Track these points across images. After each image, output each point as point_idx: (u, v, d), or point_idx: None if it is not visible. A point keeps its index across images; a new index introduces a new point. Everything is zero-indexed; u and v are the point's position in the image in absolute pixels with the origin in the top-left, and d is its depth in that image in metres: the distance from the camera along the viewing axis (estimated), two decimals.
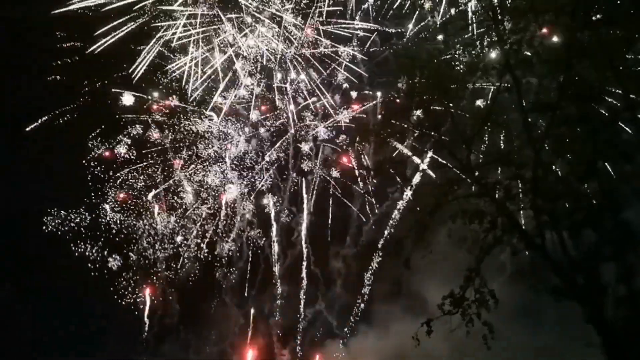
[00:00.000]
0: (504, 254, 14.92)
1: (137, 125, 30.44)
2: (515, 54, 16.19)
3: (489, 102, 17.89)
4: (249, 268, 30.92)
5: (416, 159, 19.64)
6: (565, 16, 15.09)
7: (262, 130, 30.82)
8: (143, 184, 30.15)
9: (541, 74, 16.56)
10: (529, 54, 16.31)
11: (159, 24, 28.86)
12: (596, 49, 15.36)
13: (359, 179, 23.60)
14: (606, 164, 15.45)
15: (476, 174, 16.40)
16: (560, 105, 15.82)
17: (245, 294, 31.26)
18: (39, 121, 29.07)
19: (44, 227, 28.85)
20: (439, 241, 16.26)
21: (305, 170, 30.24)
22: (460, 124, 17.71)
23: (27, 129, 29.04)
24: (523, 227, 14.41)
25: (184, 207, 30.48)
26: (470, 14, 18.72)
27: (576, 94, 15.85)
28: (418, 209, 16.18)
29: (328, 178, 28.69)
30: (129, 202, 29.86)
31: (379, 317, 28.41)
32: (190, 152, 30.76)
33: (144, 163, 30.20)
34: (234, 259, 31.13)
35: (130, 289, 29.79)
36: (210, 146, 30.84)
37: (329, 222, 29.14)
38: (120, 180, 29.89)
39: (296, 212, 30.51)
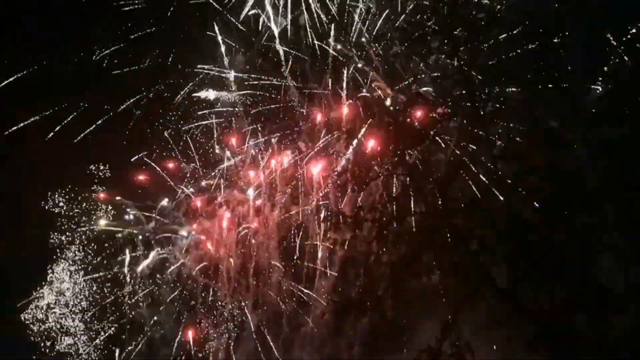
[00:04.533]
0: (480, 305, 15.03)
1: None
2: (485, 106, 16.76)
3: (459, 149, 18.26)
4: None
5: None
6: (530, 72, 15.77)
7: None
8: None
9: (509, 123, 17.20)
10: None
11: None
12: (559, 99, 16.07)
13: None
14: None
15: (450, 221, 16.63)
16: (527, 154, 16.34)
17: None
18: None
19: None
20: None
21: None
22: (433, 170, 18.02)
23: None
24: (496, 279, 14.57)
25: None
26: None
27: (542, 143, 16.39)
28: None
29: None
30: None
31: None
32: None
33: None
34: None
35: None
36: None
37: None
38: None
39: None
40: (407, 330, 21.12)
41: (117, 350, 30.12)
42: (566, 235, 14.54)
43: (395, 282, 15.97)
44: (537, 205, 15.56)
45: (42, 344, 29.83)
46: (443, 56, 17.61)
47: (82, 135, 27.41)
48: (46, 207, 29.76)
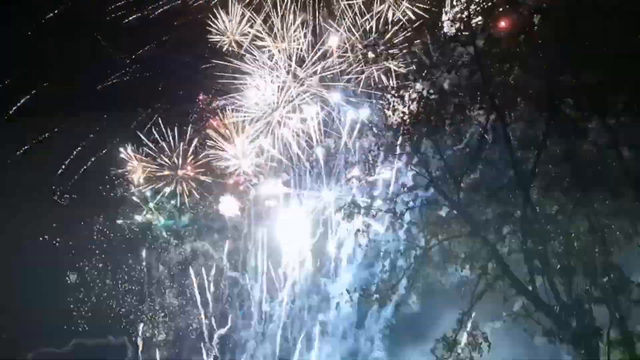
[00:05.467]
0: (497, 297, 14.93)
1: None
2: (501, 95, 16.51)
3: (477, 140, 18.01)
4: None
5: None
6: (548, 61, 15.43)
7: None
8: None
9: (526, 113, 16.88)
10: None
11: None
12: (579, 90, 15.67)
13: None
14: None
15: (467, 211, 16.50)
16: (546, 144, 16.06)
17: None
18: None
19: None
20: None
21: None
22: (449, 161, 17.88)
23: None
24: (513, 272, 14.41)
25: None
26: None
27: (561, 132, 16.09)
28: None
29: None
30: None
31: None
32: None
33: None
34: None
35: None
36: None
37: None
38: None
39: None
40: (427, 321, 21.05)
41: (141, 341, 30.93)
42: (587, 225, 14.29)
43: (414, 272, 15.97)
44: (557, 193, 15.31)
45: None
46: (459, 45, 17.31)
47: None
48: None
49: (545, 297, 14.10)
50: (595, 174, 15.28)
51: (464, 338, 14.73)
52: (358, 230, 16.99)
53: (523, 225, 14.80)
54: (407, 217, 17.18)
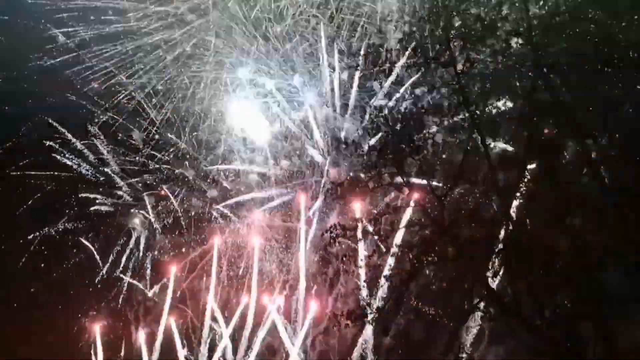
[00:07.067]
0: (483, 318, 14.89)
1: None
2: (482, 115, 16.69)
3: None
4: None
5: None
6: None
7: None
8: None
9: (507, 132, 17.13)
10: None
11: None
12: (555, 108, 15.93)
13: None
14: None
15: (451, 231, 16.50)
16: (526, 162, 16.24)
17: None
18: None
19: None
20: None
21: None
22: (433, 180, 17.95)
23: None
24: (498, 292, 14.43)
25: None
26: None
27: (540, 150, 16.28)
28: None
29: None
30: None
31: None
32: None
33: None
34: None
35: None
36: None
37: None
38: None
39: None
40: (413, 344, 20.89)
41: None
42: (569, 243, 14.37)
43: (398, 295, 15.88)
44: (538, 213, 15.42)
45: None
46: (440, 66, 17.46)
47: None
48: None
49: (530, 316, 14.10)
50: (575, 192, 15.41)
51: None
52: (344, 255, 16.85)
53: (506, 246, 14.83)
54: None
